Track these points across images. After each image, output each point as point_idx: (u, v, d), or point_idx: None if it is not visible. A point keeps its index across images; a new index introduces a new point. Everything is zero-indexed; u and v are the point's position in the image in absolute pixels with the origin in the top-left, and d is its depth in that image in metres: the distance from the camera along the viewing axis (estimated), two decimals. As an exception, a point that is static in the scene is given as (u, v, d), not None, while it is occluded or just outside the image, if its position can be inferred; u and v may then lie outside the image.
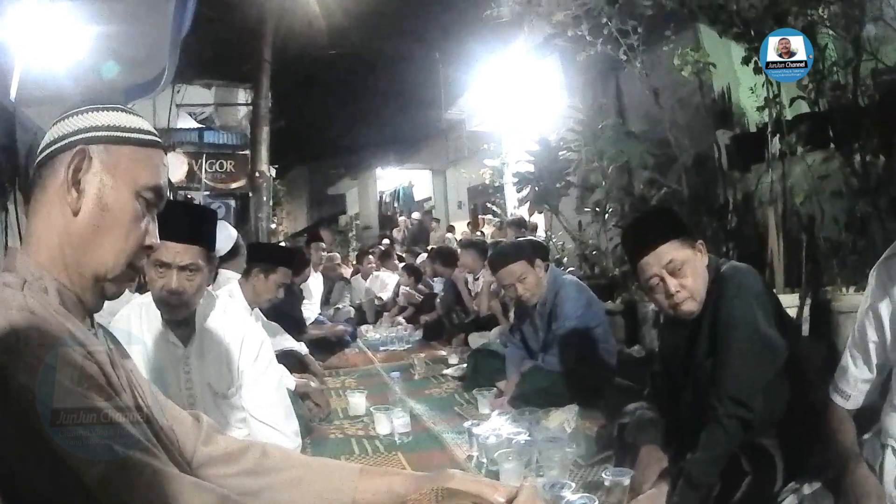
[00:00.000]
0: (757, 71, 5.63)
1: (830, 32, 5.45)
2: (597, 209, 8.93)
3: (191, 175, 19.42)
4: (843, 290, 4.85)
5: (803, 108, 5.72)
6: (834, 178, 5.20)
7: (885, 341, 2.57)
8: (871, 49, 5.14)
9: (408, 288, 11.76)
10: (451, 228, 19.45)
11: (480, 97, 14.74)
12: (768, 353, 3.07)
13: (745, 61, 5.77)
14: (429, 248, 14.71)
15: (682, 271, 3.16)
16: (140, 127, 1.64)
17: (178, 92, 18.78)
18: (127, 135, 1.61)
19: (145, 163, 1.62)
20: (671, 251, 3.16)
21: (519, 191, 10.19)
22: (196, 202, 16.36)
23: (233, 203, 19.81)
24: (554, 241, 10.67)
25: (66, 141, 1.57)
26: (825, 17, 5.38)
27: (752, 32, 5.62)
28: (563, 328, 5.45)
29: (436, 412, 5.62)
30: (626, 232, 3.61)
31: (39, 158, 1.60)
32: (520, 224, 11.72)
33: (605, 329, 5.70)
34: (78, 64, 4.75)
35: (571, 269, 9.11)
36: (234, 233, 6.28)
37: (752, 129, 6.53)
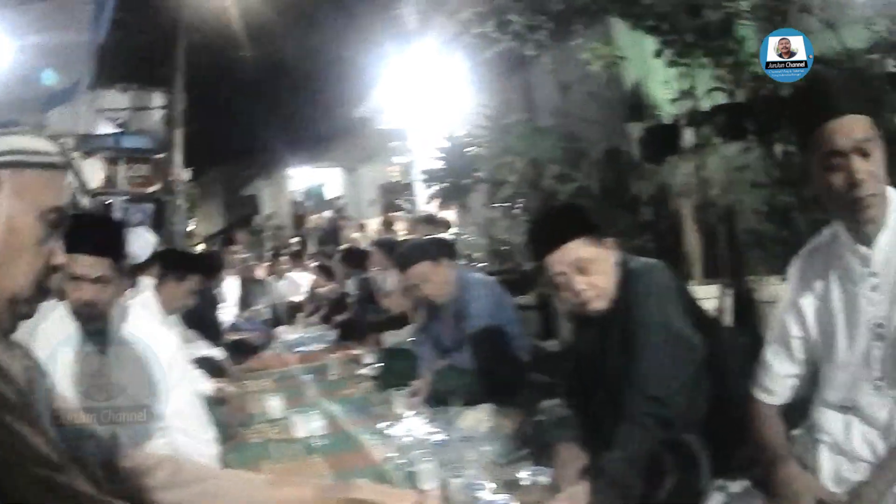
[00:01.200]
0: (670, 63, 5.54)
1: (750, 24, 5.32)
2: (506, 204, 8.83)
3: (110, 180, 19.03)
4: (767, 279, 4.78)
5: (721, 100, 5.58)
6: (753, 169, 5.13)
7: (809, 336, 2.49)
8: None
9: (322, 288, 11.53)
10: (362, 227, 19.32)
11: (389, 95, 14.41)
12: (683, 349, 2.98)
13: (658, 54, 5.65)
14: (341, 247, 14.60)
15: (590, 269, 3.05)
16: (44, 149, 1.58)
17: (97, 97, 18.46)
18: (31, 158, 1.54)
19: (49, 185, 1.57)
20: (578, 249, 3.04)
21: (428, 187, 10.13)
22: (111, 210, 16.63)
23: (151, 207, 19.45)
24: (465, 237, 10.53)
25: None
26: (748, 8, 5.25)
27: (666, 25, 5.49)
28: (473, 327, 5.26)
29: (352, 413, 5.40)
30: (530, 229, 3.55)
31: None
32: (429, 221, 11.61)
33: (517, 326, 5.53)
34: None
35: (484, 264, 9.09)
36: (153, 239, 6.21)
37: (666, 121, 6.43)
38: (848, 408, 2.36)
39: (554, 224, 3.25)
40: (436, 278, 5.33)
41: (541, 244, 3.17)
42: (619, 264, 3.14)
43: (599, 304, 3.07)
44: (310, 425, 4.74)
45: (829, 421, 2.40)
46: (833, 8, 5.12)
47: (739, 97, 5.39)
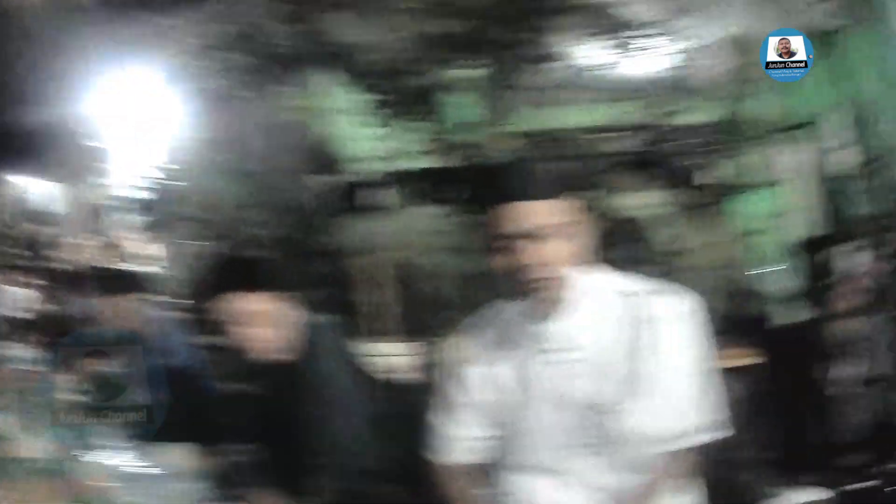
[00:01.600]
0: (383, 123, 5.64)
1: (461, 96, 5.42)
2: (204, 243, 8.53)
3: None
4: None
5: (427, 164, 5.73)
6: (451, 234, 5.19)
7: (488, 402, 2.41)
8: (506, 113, 5.15)
9: (38, 307, 10.62)
10: (72, 248, 18.61)
11: (102, 115, 13.72)
12: (353, 403, 2.98)
13: (361, 112, 5.73)
14: (55, 266, 13.95)
15: (258, 322, 2.96)
16: None
17: None
18: None
19: None
20: (244, 302, 2.95)
21: (134, 217, 10.48)
22: None
23: None
24: (167, 271, 10.00)
25: None
26: (448, 80, 5.35)
27: (373, 85, 5.54)
28: (161, 364, 4.59)
29: (66, 438, 4.77)
30: (198, 280, 3.58)
31: None
32: (117, 250, 11.65)
33: (202, 367, 5.24)
34: None
35: (187, 300, 8.74)
36: None
37: (363, 178, 6.49)
38: (550, 470, 2.29)
39: (220, 276, 3.13)
40: (125, 312, 5.12)
41: (208, 293, 3.03)
42: (294, 318, 3.04)
43: (273, 356, 3.00)
44: (26, 446, 4.31)
45: (527, 482, 2.34)
46: (573, 87, 5.20)
47: (448, 162, 5.48)
